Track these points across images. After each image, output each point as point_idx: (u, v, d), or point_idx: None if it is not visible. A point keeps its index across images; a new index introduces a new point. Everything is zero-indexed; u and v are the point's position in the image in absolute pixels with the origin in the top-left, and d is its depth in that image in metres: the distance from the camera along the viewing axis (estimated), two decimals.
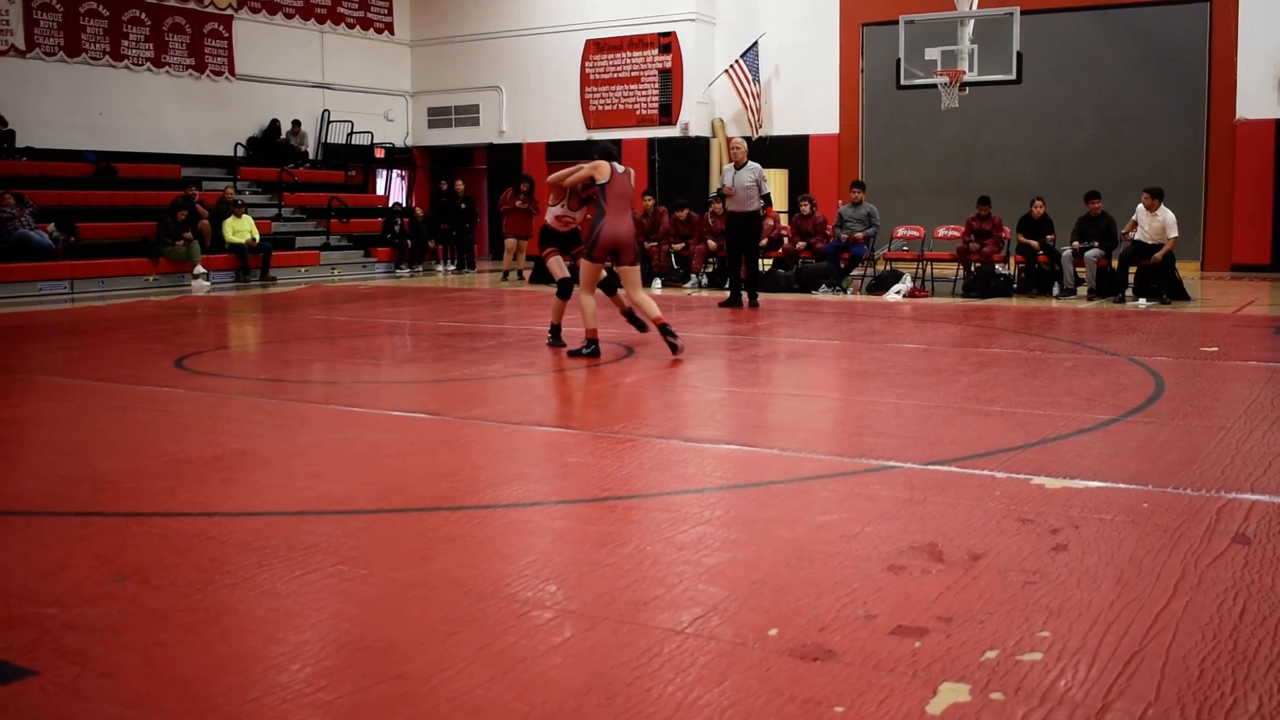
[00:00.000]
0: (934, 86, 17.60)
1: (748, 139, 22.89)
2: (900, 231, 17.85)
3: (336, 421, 6.99)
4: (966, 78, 17.32)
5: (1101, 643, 3.24)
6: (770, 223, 14.43)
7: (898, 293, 15.99)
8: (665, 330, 9.34)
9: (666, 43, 23.37)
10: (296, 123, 24.28)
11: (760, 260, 14.93)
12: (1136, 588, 3.70)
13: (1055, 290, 15.72)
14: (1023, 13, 17.10)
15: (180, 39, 22.41)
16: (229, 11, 23.12)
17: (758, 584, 3.76)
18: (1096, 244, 15.50)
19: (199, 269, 18.69)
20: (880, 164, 22.22)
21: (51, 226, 17.67)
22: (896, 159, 22.17)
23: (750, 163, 14.29)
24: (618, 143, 22.15)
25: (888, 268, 17.20)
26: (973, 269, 16.52)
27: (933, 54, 17.56)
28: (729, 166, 14.47)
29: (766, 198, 14.26)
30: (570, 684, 2.98)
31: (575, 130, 24.64)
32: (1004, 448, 5.87)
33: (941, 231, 17.60)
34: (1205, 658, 3.14)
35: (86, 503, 4.94)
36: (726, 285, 15.28)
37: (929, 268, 17.28)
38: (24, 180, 18.65)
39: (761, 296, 14.82)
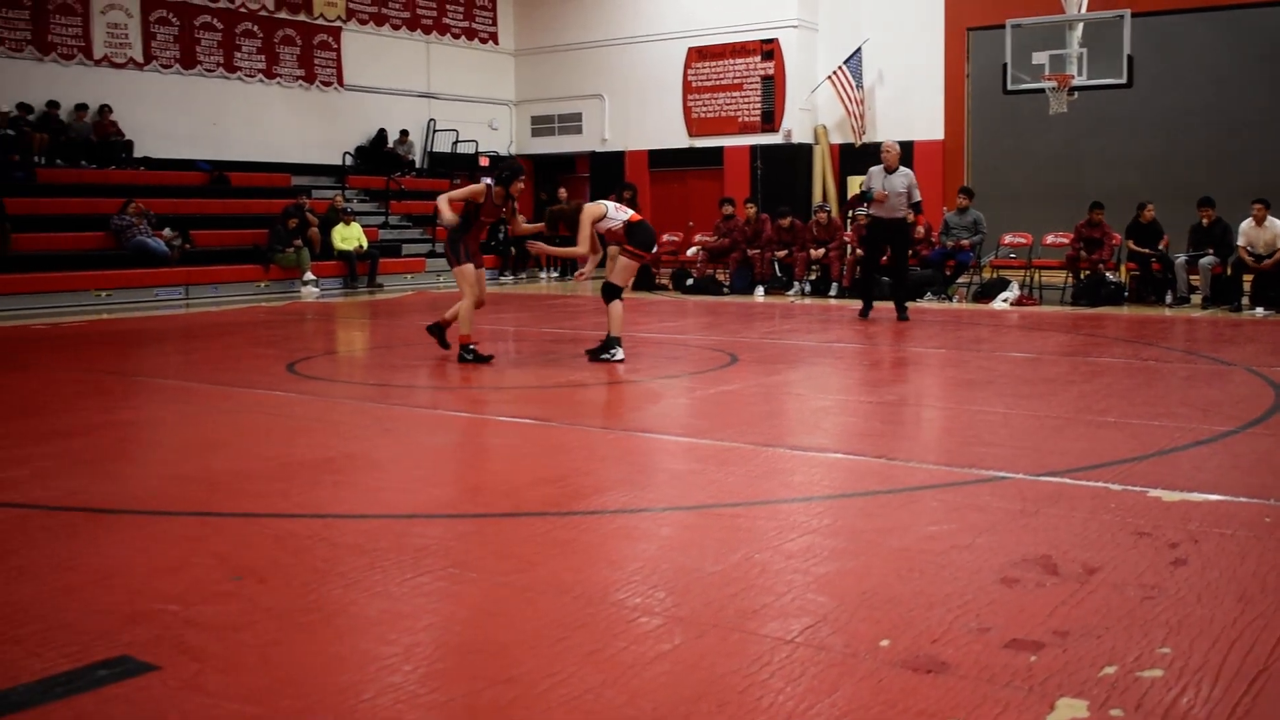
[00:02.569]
0: (1042, 91, 17.30)
1: (851, 145, 22.77)
2: (1007, 238, 17.59)
3: (444, 426, 7.06)
4: (1075, 82, 16.99)
5: (1225, 661, 3.15)
6: (921, 230, 13.65)
7: (1004, 300, 15.76)
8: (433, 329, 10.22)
9: (769, 49, 23.30)
10: (404, 132, 24.64)
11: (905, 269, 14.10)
12: (1260, 604, 3.60)
13: (1168, 298, 15.37)
14: (1134, 15, 16.73)
15: (291, 50, 22.86)
16: (338, 23, 23.54)
17: (868, 594, 3.72)
18: (1210, 251, 15.12)
19: (308, 276, 19.04)
20: (986, 170, 21.90)
21: (167, 230, 18.13)
22: (1003, 165, 21.83)
23: (902, 167, 13.63)
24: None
25: (994, 275, 16.94)
26: (1082, 276, 16.21)
27: (1040, 58, 17.24)
28: (877, 170, 13.65)
29: (917, 205, 13.58)
30: (681, 691, 2.97)
31: (677, 137, 24.67)
32: (1118, 459, 5.74)
33: (1049, 238, 17.31)
34: None
35: (204, 503, 5.05)
36: (860, 295, 14.44)
37: (1037, 275, 17.00)
38: (141, 189, 19.17)
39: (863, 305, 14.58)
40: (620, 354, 9.62)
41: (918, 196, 13.59)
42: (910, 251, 14.40)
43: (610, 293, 9.79)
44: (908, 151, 22.31)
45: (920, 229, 13.50)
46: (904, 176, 13.55)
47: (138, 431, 7.16)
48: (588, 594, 3.75)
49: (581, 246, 9.73)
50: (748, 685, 3.01)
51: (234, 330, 13.10)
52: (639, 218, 9.83)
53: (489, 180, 9.97)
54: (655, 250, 9.65)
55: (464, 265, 9.96)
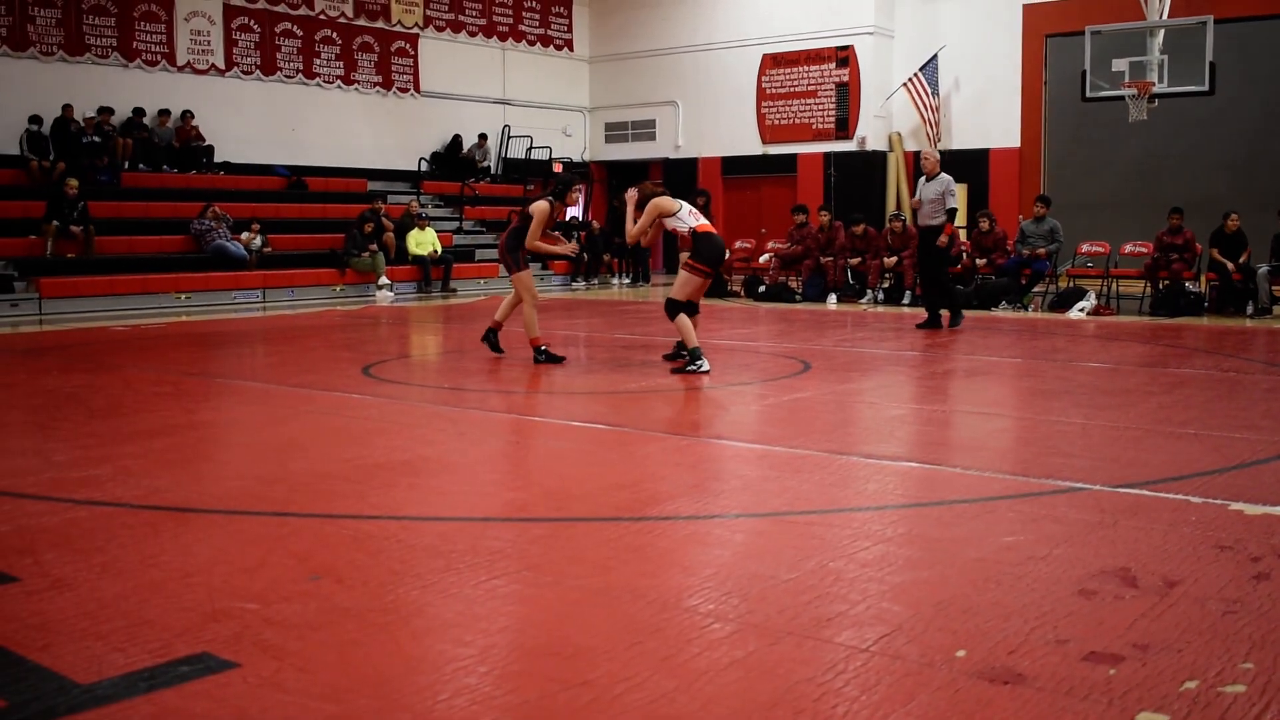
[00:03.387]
0: (1121, 99, 17.08)
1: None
2: (1084, 247, 17.36)
3: (517, 430, 7.11)
4: (1156, 89, 16.76)
5: None
6: (944, 239, 13.30)
7: (1081, 310, 15.56)
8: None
9: (844, 56, 23.22)
10: (483, 136, 24.86)
11: (945, 277, 13.89)
12: None
13: (1249, 309, 15.09)
14: (1216, 21, 16.47)
15: (369, 57, 23.14)
16: (415, 30, 23.79)
17: (943, 604, 3.69)
18: None
19: (383, 280, 19.25)
20: (1064, 178, 21.66)
21: (247, 232, 18.40)
22: (1081, 173, 21.58)
23: (941, 174, 13.46)
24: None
25: (1071, 284, 16.73)
26: (1161, 286, 15.96)
27: (1120, 65, 17.03)
28: (923, 178, 13.66)
29: (950, 212, 13.33)
30: (755, 698, 2.97)
31: (751, 144, 24.66)
32: (1199, 471, 5.65)
33: (1128, 247, 17.05)
34: None
35: (282, 503, 5.12)
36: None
37: (1114, 285, 16.77)
38: (220, 194, 19.53)
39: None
40: (705, 364, 9.34)
41: (951, 203, 13.34)
42: (948, 258, 14.02)
43: (673, 308, 9.52)
44: (983, 159, 22.17)
45: (944, 238, 13.11)
46: (939, 183, 13.39)
47: (217, 432, 7.28)
48: (661, 599, 3.75)
49: (632, 231, 9.78)
50: (822, 694, 3.00)
51: (310, 333, 13.26)
52: (708, 228, 9.58)
53: (549, 198, 10.05)
54: (721, 265, 9.38)
55: (523, 271, 10.11)
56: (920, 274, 14.30)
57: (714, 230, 9.65)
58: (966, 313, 13.33)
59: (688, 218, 9.57)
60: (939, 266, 13.77)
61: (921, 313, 14.36)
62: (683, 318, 9.49)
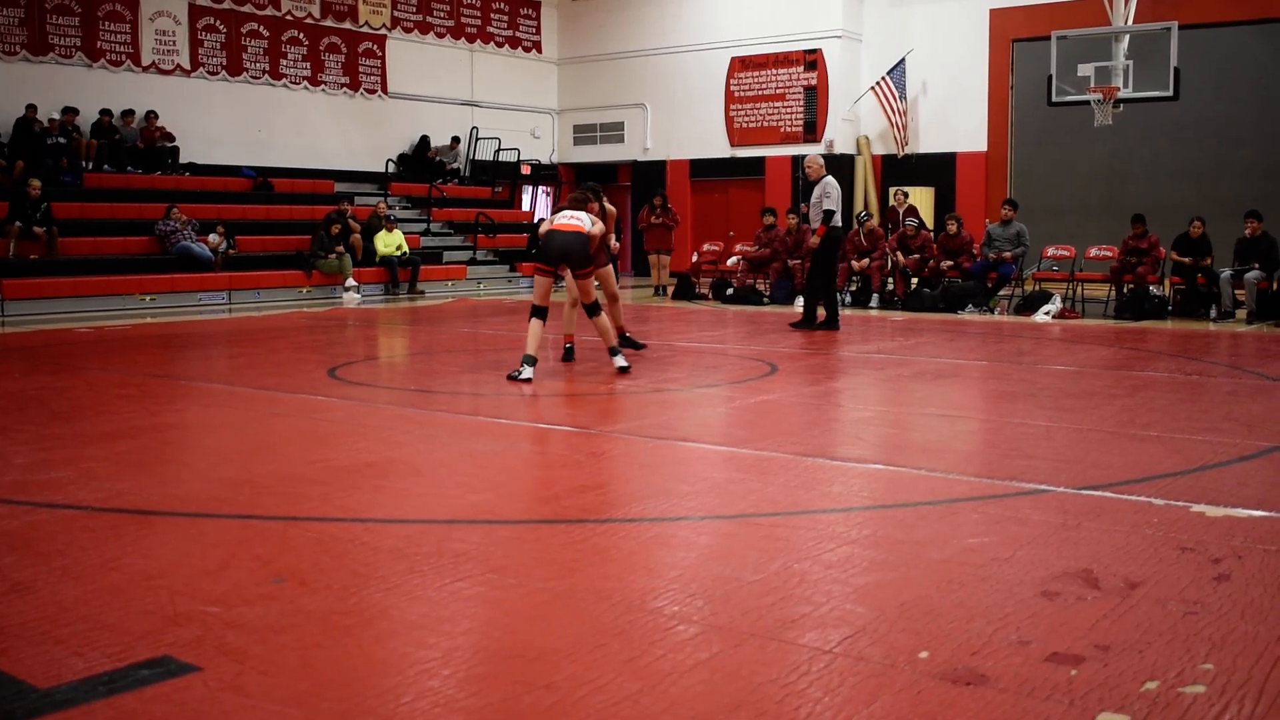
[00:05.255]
0: (1087, 103, 17.21)
1: (894, 156, 22.69)
2: (1050, 251, 17.46)
3: (484, 432, 7.09)
4: (1121, 94, 16.90)
5: (1269, 677, 3.11)
6: (815, 240, 13.60)
7: (1047, 313, 15.65)
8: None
9: (812, 60, 23.30)
10: (455, 139, 24.79)
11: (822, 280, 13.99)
12: None
13: (1212, 313, 15.23)
14: (1181, 27, 16.62)
15: (336, 58, 23.06)
16: (383, 31, 23.72)
17: (907, 605, 3.71)
18: (1256, 265, 14.97)
19: (350, 282, 19.18)
20: (1030, 182, 21.80)
21: (213, 235, 18.27)
22: (1047, 177, 21.72)
23: (825, 178, 13.65)
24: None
25: (1037, 288, 16.85)
26: (1126, 290, 16.08)
27: (1086, 70, 17.17)
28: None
29: (826, 214, 13.46)
30: (718, 700, 2.97)
31: (719, 147, 24.72)
32: (1161, 474, 5.70)
33: (1093, 251, 17.17)
34: None
35: (246, 506, 5.09)
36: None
37: (1080, 288, 16.88)
38: (186, 195, 19.41)
39: (907, 316, 14.52)
40: (548, 359, 9.80)
41: (828, 205, 13.49)
42: (830, 260, 14.00)
43: (588, 311, 9.74)
44: (950, 162, 22.28)
45: (815, 239, 13.49)
46: (820, 187, 13.64)
47: (181, 435, 7.23)
48: (626, 601, 3.75)
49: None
50: (785, 695, 3.01)
51: (276, 335, 13.20)
52: (559, 227, 9.51)
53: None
54: (559, 264, 9.53)
55: (604, 268, 10.32)
56: (808, 276, 14.54)
57: (566, 228, 9.48)
58: (934, 316, 13.40)
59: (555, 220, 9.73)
60: (820, 269, 13.94)
61: (900, 316, 14.43)
62: (600, 318, 9.64)
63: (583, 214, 9.64)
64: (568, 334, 10.62)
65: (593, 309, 9.60)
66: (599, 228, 9.63)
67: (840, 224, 13.80)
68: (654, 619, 3.58)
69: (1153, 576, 4.01)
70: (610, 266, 10.56)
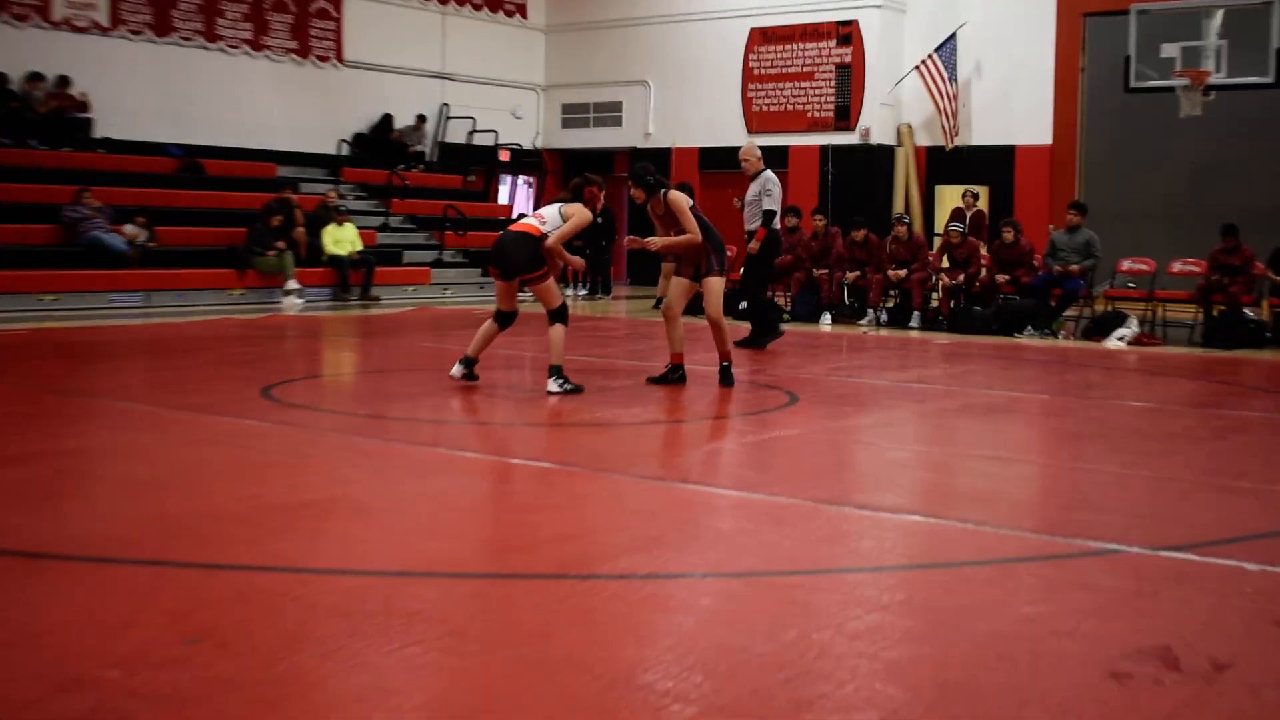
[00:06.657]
0: (1171, 90, 17.25)
1: (941, 149, 22.74)
2: (1125, 265, 17.48)
3: (447, 467, 7.07)
4: (1212, 79, 16.94)
5: None
6: (755, 245, 13.74)
7: (1121, 339, 15.66)
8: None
9: (846, 33, 23.38)
10: (421, 117, 24.86)
11: (764, 290, 14.34)
12: None
13: None
14: None
15: (283, 19, 23.11)
16: None
17: (947, 686, 3.68)
18: None
19: (292, 284, 19.17)
20: (1102, 182, 21.83)
21: (129, 227, 18.19)
22: (1123, 177, 21.76)
23: (764, 172, 13.90)
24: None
25: (1109, 308, 16.84)
26: (1215, 312, 16.08)
27: (1171, 51, 17.21)
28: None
29: (767, 214, 13.71)
30: None
31: (735, 134, 24.70)
32: (1255, 533, 5.69)
33: (1176, 266, 17.18)
34: None
35: (158, 550, 5.06)
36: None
37: (1160, 309, 16.89)
38: (100, 175, 19.34)
39: (951, 340, 14.51)
40: (560, 385, 9.65)
41: (768, 205, 13.74)
42: (766, 267, 14.39)
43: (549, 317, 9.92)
44: (1008, 157, 22.31)
45: (755, 244, 13.68)
46: (758, 183, 13.86)
47: (84, 462, 7.20)
48: (610, 674, 3.73)
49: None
50: None
51: (201, 346, 13.19)
52: (515, 228, 9.99)
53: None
54: (501, 267, 9.84)
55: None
56: (742, 284, 14.66)
57: (521, 229, 9.83)
58: (985, 339, 13.40)
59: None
60: (754, 276, 14.15)
61: (942, 339, 14.42)
62: (554, 328, 9.79)
63: (550, 210, 9.83)
64: (675, 353, 10.51)
65: (554, 315, 9.77)
66: (560, 231, 9.72)
67: (779, 226, 14.07)
68: (643, 696, 3.56)
69: (1243, 656, 3.98)
70: (719, 280, 10.71)
